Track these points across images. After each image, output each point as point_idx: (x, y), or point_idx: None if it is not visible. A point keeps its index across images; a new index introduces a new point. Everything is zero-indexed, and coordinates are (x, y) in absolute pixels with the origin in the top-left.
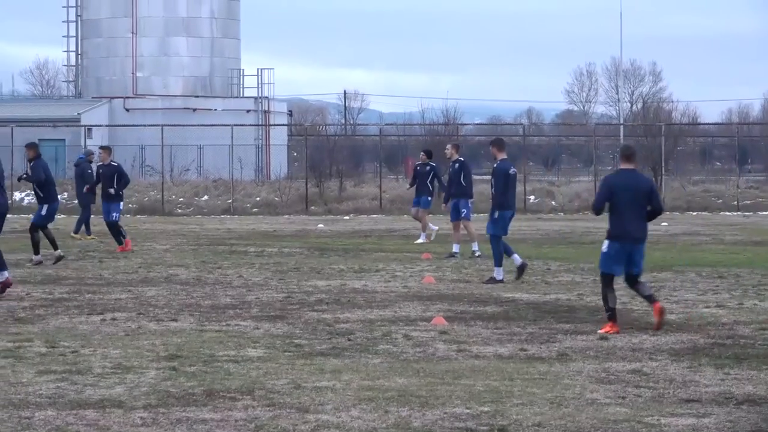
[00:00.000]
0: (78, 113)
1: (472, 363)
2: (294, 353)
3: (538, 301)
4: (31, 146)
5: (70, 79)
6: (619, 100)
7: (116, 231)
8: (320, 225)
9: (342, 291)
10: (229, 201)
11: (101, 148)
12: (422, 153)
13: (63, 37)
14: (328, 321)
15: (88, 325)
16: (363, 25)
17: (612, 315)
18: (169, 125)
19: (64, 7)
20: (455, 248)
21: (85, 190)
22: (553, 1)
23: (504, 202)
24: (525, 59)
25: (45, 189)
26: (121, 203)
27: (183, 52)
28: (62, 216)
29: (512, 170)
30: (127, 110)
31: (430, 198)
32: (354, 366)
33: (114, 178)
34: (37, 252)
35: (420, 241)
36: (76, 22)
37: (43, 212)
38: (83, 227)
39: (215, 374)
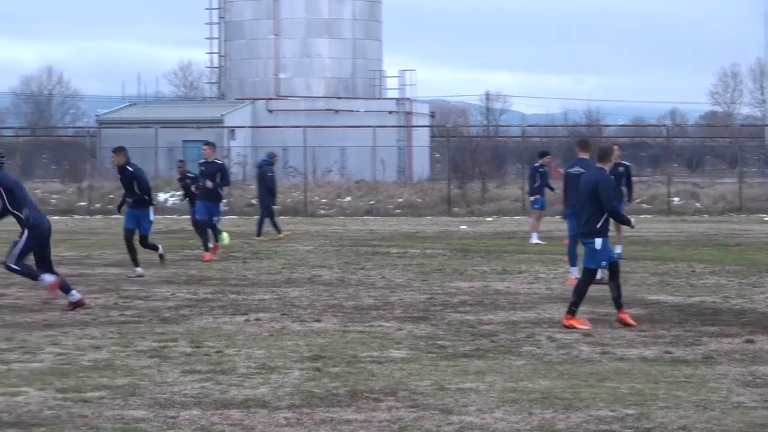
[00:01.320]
0: (221, 114)
1: (617, 365)
2: (437, 354)
3: (683, 303)
4: (121, 150)
5: (214, 81)
6: (764, 101)
7: (206, 234)
8: (463, 226)
9: (485, 292)
10: (372, 202)
11: (206, 144)
12: (544, 154)
13: (206, 39)
14: (471, 322)
15: (233, 325)
16: (505, 27)
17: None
18: (311, 126)
19: (207, 9)
20: (617, 249)
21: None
22: (697, 2)
23: (566, 203)
24: (669, 60)
25: (149, 193)
26: (221, 204)
27: (325, 54)
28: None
29: (571, 169)
30: (270, 112)
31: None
32: (497, 367)
33: (216, 177)
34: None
35: (534, 241)
36: (219, 24)
37: (152, 218)
38: (266, 228)
39: (359, 375)
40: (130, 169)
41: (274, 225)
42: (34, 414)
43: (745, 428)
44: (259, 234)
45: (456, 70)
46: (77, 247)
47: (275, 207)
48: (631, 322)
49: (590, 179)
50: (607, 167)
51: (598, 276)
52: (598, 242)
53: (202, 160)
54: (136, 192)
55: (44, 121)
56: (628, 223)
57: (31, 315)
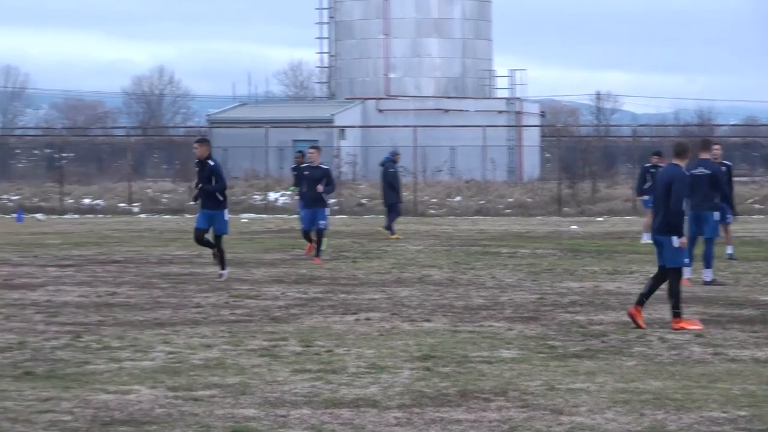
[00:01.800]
0: (331, 114)
1: (729, 366)
2: (548, 354)
3: None
4: (205, 143)
5: (324, 81)
6: None
7: (321, 238)
8: (573, 226)
9: (595, 293)
10: (482, 202)
11: (312, 147)
12: (657, 154)
13: (316, 39)
14: (582, 323)
15: (343, 324)
16: (616, 26)
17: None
18: (421, 126)
19: (317, 9)
20: (728, 250)
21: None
22: None
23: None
24: None
25: (224, 191)
26: (327, 209)
27: (435, 53)
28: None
29: (694, 171)
30: (380, 111)
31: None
32: (608, 368)
33: (322, 183)
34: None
35: (645, 241)
36: (330, 24)
37: (227, 217)
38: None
39: (469, 375)
40: (211, 163)
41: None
42: (145, 412)
43: None
44: (392, 232)
45: (566, 69)
46: (188, 246)
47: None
48: (641, 323)
49: (666, 176)
50: (683, 164)
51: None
52: (676, 240)
53: (306, 164)
54: (211, 188)
55: (155, 121)
56: (679, 230)
57: (142, 313)
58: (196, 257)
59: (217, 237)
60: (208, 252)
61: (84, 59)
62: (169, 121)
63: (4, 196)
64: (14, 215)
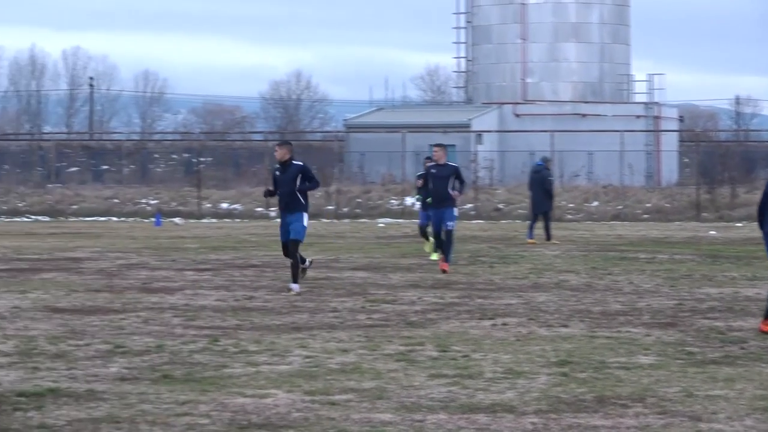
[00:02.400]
0: (468, 119)
1: None
2: (686, 361)
3: None
4: (287, 144)
5: (461, 85)
6: None
7: (449, 241)
8: (712, 232)
9: (735, 299)
10: (619, 207)
11: (436, 146)
12: None
13: (453, 43)
14: (721, 329)
15: (479, 329)
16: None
17: None
18: (558, 131)
19: (454, 14)
20: None
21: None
22: None
23: None
24: None
25: (306, 194)
26: (455, 209)
27: (572, 58)
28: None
29: None
30: (517, 116)
31: None
32: (747, 375)
33: (450, 180)
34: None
35: None
36: (467, 28)
37: (306, 223)
38: (534, 233)
39: (606, 380)
40: (298, 163)
41: (531, 228)
42: (282, 416)
43: None
44: (549, 238)
45: (705, 74)
46: (325, 250)
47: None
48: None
49: None
50: None
51: None
52: None
53: (432, 163)
54: (306, 187)
55: (293, 126)
56: None
57: (279, 318)
58: (333, 261)
59: (294, 242)
60: (345, 256)
61: (222, 64)
62: (307, 125)
63: (143, 200)
64: (152, 219)
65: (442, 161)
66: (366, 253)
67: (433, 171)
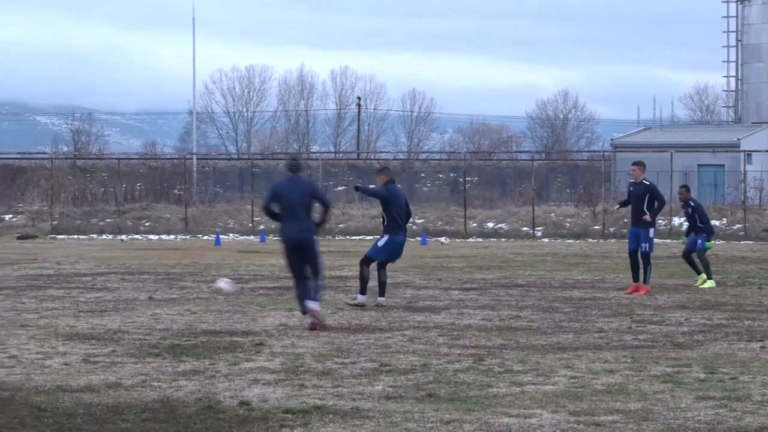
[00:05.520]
0: (737, 138)
1: None
2: None
3: None
4: (641, 164)
5: (729, 105)
6: None
7: (646, 263)
8: None
9: None
10: None
11: (634, 164)
12: None
13: (723, 62)
14: None
15: (747, 351)
16: None
17: None
18: None
19: (724, 32)
20: None
21: (616, 208)
22: None
23: None
24: None
25: (384, 217)
26: (652, 230)
27: None
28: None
29: None
30: None
31: None
32: None
33: (645, 199)
34: (363, 291)
35: None
36: (737, 47)
37: (380, 244)
38: None
39: None
40: (647, 183)
41: None
42: None
43: None
44: None
45: None
46: (591, 270)
47: None
48: None
49: None
50: None
51: None
52: None
53: (632, 180)
54: (648, 209)
55: (559, 145)
56: None
57: (544, 337)
58: (599, 281)
59: (644, 255)
60: (611, 276)
61: (489, 84)
62: (573, 145)
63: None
64: (419, 238)
65: (639, 179)
66: (628, 273)
67: (630, 189)
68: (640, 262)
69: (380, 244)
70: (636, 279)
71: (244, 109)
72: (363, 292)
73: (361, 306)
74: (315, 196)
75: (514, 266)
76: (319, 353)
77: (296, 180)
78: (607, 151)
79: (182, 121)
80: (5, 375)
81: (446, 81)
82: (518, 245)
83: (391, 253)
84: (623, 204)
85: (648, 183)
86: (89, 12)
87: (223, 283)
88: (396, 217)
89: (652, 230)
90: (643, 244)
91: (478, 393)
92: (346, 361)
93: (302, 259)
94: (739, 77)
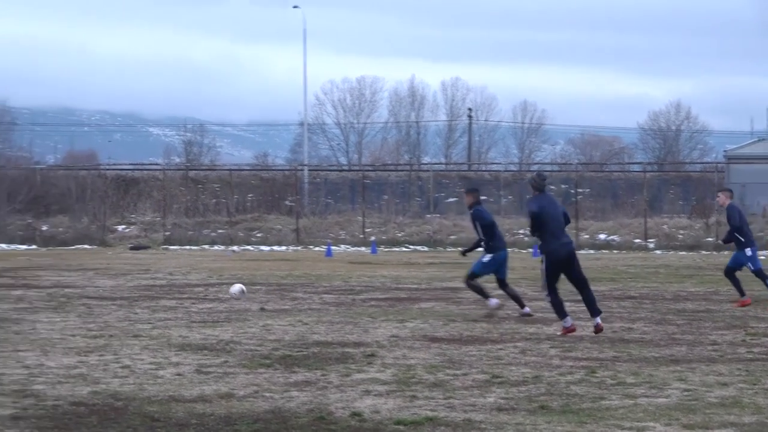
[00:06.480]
0: None
1: None
2: None
3: None
4: (472, 192)
5: None
6: None
7: (763, 278)
8: None
9: None
10: None
11: (720, 191)
12: None
13: None
14: None
15: None
16: None
17: None
18: None
19: None
20: None
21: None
22: None
23: None
24: None
25: (488, 234)
26: (748, 249)
27: None
28: None
29: None
30: None
31: None
32: None
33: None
34: (487, 295)
35: None
36: None
37: (485, 259)
38: None
39: None
40: (729, 207)
41: None
42: None
43: None
44: None
45: None
46: (704, 282)
47: None
48: None
49: None
50: None
51: None
52: None
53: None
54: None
55: (672, 157)
56: None
57: (657, 350)
58: (712, 294)
59: (756, 273)
60: (724, 289)
61: (601, 95)
62: (686, 156)
63: (521, 231)
64: (530, 250)
65: (725, 204)
66: (746, 285)
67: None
68: (737, 278)
69: (485, 260)
70: (742, 293)
71: (355, 120)
72: (487, 296)
73: (498, 309)
74: (564, 213)
75: (626, 278)
76: (430, 365)
77: (550, 197)
78: (720, 163)
79: (293, 133)
80: (118, 385)
81: (557, 92)
82: (630, 257)
83: (497, 267)
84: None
85: (728, 206)
86: (203, 25)
87: (236, 289)
88: (499, 233)
89: (748, 250)
90: (748, 265)
91: (590, 405)
92: (458, 372)
93: (568, 271)
94: None
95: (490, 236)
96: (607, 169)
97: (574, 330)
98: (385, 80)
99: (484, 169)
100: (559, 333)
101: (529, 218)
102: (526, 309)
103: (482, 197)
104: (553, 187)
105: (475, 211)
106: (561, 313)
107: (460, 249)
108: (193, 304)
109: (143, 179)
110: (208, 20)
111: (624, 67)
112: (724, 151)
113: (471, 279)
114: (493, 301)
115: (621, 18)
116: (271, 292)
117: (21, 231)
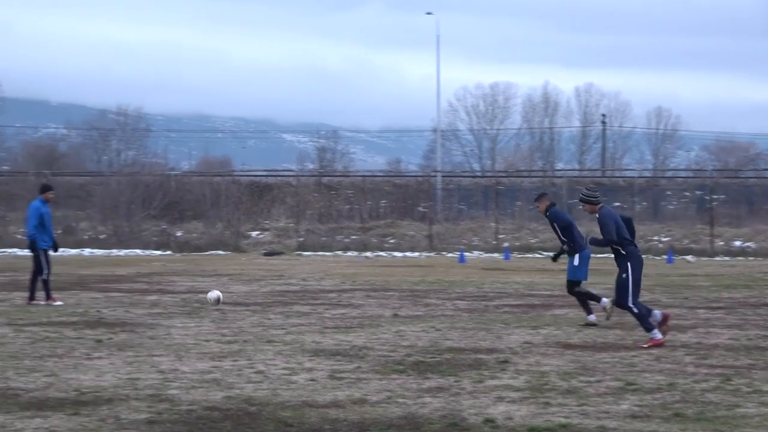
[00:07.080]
0: None
1: None
2: None
3: None
4: (542, 197)
5: None
6: None
7: None
8: None
9: None
10: None
11: None
12: None
13: None
14: None
15: None
16: None
17: None
18: None
19: None
20: None
21: None
22: None
23: None
24: None
25: (568, 236)
26: None
27: None
28: None
29: None
30: None
31: None
32: None
33: None
34: (597, 298)
35: None
36: None
37: (576, 262)
38: None
39: None
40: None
41: None
42: None
43: None
44: None
45: None
46: None
47: None
48: None
49: None
50: None
51: None
52: None
53: None
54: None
55: None
56: None
57: None
58: None
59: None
60: None
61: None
62: None
63: (655, 238)
64: (665, 257)
65: None
66: None
67: None
68: None
69: (575, 263)
70: None
71: (488, 127)
72: (597, 299)
73: (609, 311)
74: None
75: (762, 285)
76: (564, 371)
77: (611, 208)
78: None
79: (426, 139)
80: (252, 390)
81: (692, 98)
82: (766, 264)
83: (587, 265)
84: None
85: None
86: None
87: (213, 295)
88: (578, 233)
89: None
90: None
91: (725, 413)
92: (592, 379)
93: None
94: None
95: (569, 237)
96: (742, 176)
97: (662, 343)
98: (519, 86)
99: (618, 175)
100: (645, 345)
101: (609, 226)
102: (592, 317)
103: (616, 203)
104: (687, 193)
105: (551, 212)
106: (649, 326)
107: (550, 254)
108: (327, 309)
109: (277, 185)
110: (341, 28)
111: (761, 73)
112: None
113: (573, 288)
114: (605, 301)
115: (754, 24)
116: (404, 298)
117: (156, 237)
